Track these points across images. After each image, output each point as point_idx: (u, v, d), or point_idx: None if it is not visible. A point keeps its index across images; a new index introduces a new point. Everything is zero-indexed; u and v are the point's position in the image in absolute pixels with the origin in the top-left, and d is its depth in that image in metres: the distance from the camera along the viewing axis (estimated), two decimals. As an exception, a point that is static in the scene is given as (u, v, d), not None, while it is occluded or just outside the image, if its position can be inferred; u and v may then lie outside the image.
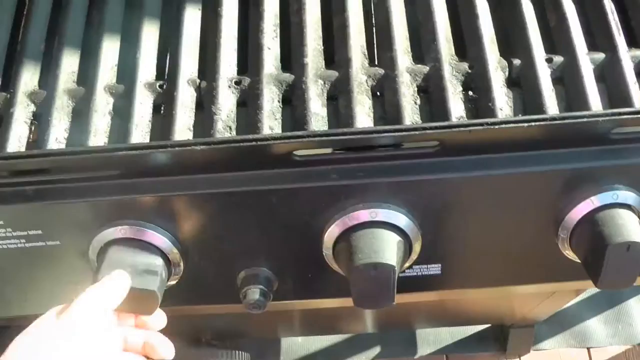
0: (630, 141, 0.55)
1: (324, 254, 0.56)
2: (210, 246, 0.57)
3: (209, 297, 0.62)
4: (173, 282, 0.57)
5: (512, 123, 0.51)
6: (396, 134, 0.50)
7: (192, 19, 0.60)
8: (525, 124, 0.51)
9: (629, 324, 1.17)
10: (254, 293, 0.57)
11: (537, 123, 0.51)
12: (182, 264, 0.56)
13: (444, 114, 0.53)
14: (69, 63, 0.60)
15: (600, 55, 0.57)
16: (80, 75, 0.60)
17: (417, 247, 0.57)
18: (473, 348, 1.18)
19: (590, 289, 1.20)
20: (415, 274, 0.60)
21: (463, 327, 1.19)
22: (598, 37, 0.59)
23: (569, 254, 0.59)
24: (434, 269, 0.60)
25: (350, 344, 1.18)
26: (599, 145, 0.55)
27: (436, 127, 0.50)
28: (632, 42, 0.58)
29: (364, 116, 0.54)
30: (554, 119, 0.52)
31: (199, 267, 0.58)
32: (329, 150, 0.54)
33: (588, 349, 1.17)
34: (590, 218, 0.56)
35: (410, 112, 0.54)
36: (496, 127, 0.50)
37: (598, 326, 1.18)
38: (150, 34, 0.60)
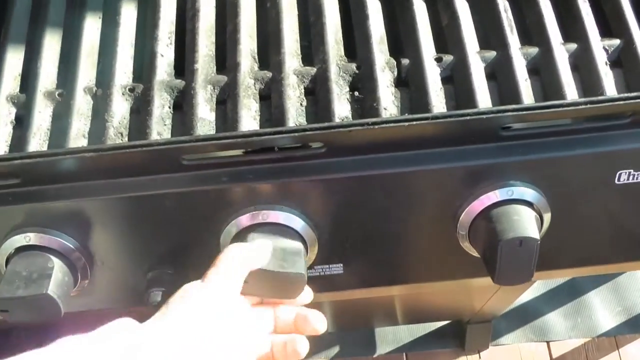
0: (521, 137, 0.56)
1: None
2: (114, 249, 0.59)
3: (118, 300, 0.63)
4: (82, 287, 0.59)
5: (392, 123, 0.52)
6: (274, 136, 0.51)
7: (91, 27, 0.62)
8: (406, 124, 0.52)
9: (588, 316, 1.18)
10: (157, 295, 0.58)
11: (418, 122, 0.52)
12: (88, 268, 0.58)
13: (329, 115, 0.55)
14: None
15: (492, 53, 0.58)
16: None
17: (314, 248, 0.58)
18: (432, 345, 1.19)
19: (549, 283, 1.21)
20: (318, 274, 0.61)
21: (421, 324, 1.20)
22: (490, 35, 0.59)
23: (470, 250, 0.60)
24: (336, 268, 0.61)
25: (310, 343, 1.20)
26: (489, 142, 0.56)
27: (315, 129, 0.52)
28: (525, 40, 0.59)
29: (249, 119, 0.55)
30: (435, 117, 0.53)
31: (106, 271, 0.60)
32: (226, 154, 0.55)
33: (547, 342, 1.17)
34: (486, 214, 0.57)
35: (295, 114, 0.55)
36: (376, 127, 0.51)
37: (557, 320, 1.19)
38: (52, 43, 0.62)
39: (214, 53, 0.59)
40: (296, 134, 0.51)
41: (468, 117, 0.53)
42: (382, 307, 1.12)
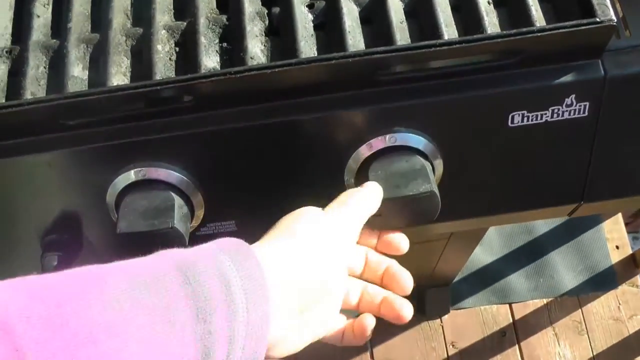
0: (401, 82, 0.57)
1: (110, 215, 0.60)
2: (8, 214, 0.61)
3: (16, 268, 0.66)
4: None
5: (255, 70, 0.53)
6: (138, 90, 0.52)
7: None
8: (268, 71, 0.53)
9: (550, 276, 1.18)
10: (52, 259, 0.61)
11: (281, 69, 0.53)
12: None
13: (195, 67, 0.56)
14: None
15: (365, -1, 0.59)
16: None
17: (200, 206, 0.60)
18: (393, 311, 1.20)
19: (510, 244, 1.21)
20: (212, 232, 0.63)
21: (381, 290, 1.21)
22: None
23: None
24: (229, 226, 0.63)
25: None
26: (368, 88, 0.57)
27: (178, 81, 0.53)
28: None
29: (119, 76, 0.57)
30: (300, 62, 0.54)
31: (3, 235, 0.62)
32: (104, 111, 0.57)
33: (509, 304, 1.18)
34: (370, 164, 0.58)
35: (163, 68, 0.56)
36: (238, 75, 0.53)
37: (519, 281, 1.19)
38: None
39: (90, 12, 0.61)
40: (159, 87, 0.53)
41: (333, 61, 0.53)
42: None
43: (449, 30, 0.57)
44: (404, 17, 0.58)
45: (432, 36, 0.57)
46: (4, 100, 0.58)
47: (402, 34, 0.57)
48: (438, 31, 0.57)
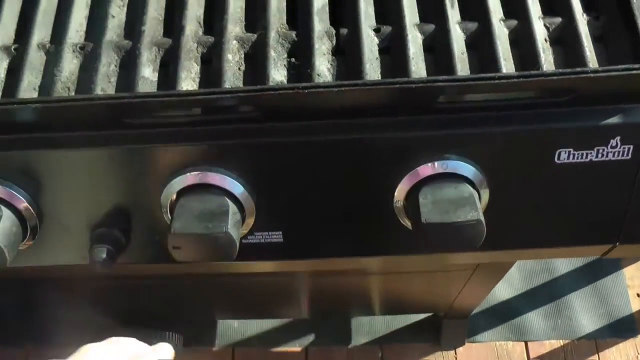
0: (457, 110, 0.59)
1: (163, 214, 0.62)
2: (62, 204, 0.63)
3: (65, 256, 0.68)
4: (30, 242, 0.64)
5: (322, 88, 0.56)
6: (207, 97, 0.55)
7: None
8: (335, 89, 0.55)
9: (568, 318, 1.19)
10: (101, 252, 0.63)
11: (347, 88, 0.55)
12: (37, 223, 0.63)
13: (264, 79, 0.58)
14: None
15: (431, 26, 0.61)
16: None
17: (252, 214, 0.62)
18: (408, 339, 1.21)
19: (529, 281, 1.22)
20: (258, 241, 0.65)
21: (398, 317, 1.22)
22: (431, 8, 0.62)
23: (407, 224, 0.63)
24: (276, 236, 0.64)
25: (285, 331, 1.24)
26: (425, 114, 0.59)
27: (246, 91, 0.55)
28: (466, 15, 0.62)
29: (189, 81, 0.59)
30: (365, 84, 0.56)
31: (55, 227, 0.64)
32: (170, 113, 0.59)
33: (525, 342, 1.19)
34: (419, 188, 0.60)
35: (232, 78, 0.59)
36: (306, 91, 0.55)
37: (537, 320, 1.20)
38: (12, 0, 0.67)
39: (163, 17, 0.63)
40: (228, 96, 0.55)
41: (397, 86, 0.56)
42: (357, 293, 1.15)
43: (507, 64, 0.60)
44: (465, 48, 0.61)
45: (491, 69, 0.59)
46: (74, 93, 0.61)
47: (462, 65, 0.59)
48: (497, 64, 0.59)
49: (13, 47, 0.64)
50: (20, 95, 0.61)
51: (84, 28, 0.64)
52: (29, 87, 0.62)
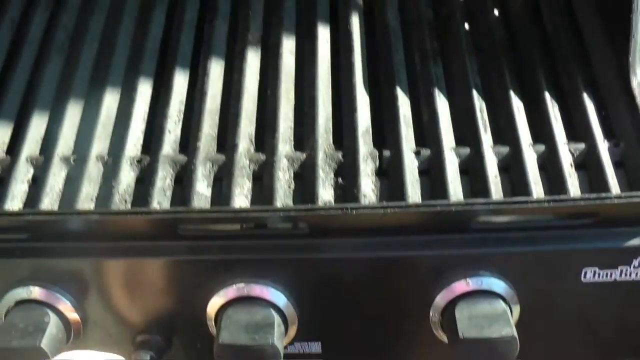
0: (491, 230, 0.64)
1: (207, 324, 0.65)
2: (108, 310, 0.66)
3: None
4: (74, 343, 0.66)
5: (370, 209, 0.60)
6: (260, 214, 0.59)
7: (110, 100, 0.72)
8: (382, 211, 0.60)
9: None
10: (144, 358, 0.65)
11: (393, 210, 0.60)
12: (81, 326, 0.65)
13: (313, 198, 0.63)
14: (1, 134, 0.71)
15: (466, 150, 0.67)
16: (10, 145, 0.71)
17: (294, 325, 0.65)
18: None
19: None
20: (297, 351, 0.68)
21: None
22: (466, 132, 0.68)
23: (443, 339, 0.66)
24: (315, 346, 0.67)
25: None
26: (461, 233, 0.63)
27: (297, 210, 0.60)
28: (498, 139, 0.68)
29: (241, 197, 0.64)
30: (409, 206, 0.61)
31: (99, 330, 0.67)
32: (218, 227, 0.63)
33: None
34: (455, 304, 0.64)
35: (283, 195, 0.63)
36: (354, 212, 0.59)
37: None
38: (73, 112, 0.72)
39: (216, 133, 0.68)
40: (280, 214, 0.60)
41: (439, 208, 0.60)
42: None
43: (537, 188, 0.65)
44: (498, 172, 0.66)
45: (522, 192, 0.65)
46: (129, 206, 0.65)
47: (496, 188, 0.65)
48: (527, 188, 0.64)
49: (72, 159, 0.68)
50: (78, 205, 0.65)
51: (141, 142, 0.69)
52: (86, 198, 0.66)
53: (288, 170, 0.65)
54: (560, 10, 0.77)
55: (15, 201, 0.67)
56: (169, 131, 0.69)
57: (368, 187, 0.64)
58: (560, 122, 0.68)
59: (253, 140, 0.68)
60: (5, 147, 0.71)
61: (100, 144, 0.69)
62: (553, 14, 0.76)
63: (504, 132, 0.68)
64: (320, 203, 0.62)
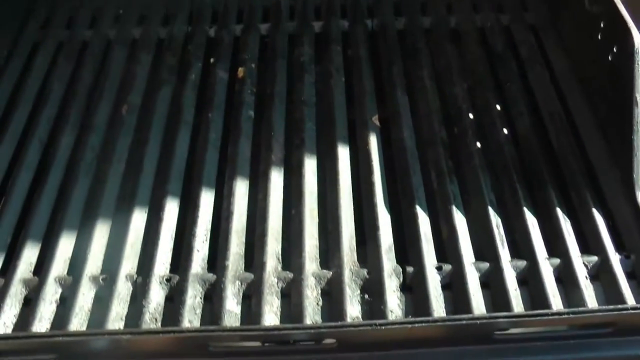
0: (512, 341, 0.66)
1: None
2: None
3: None
4: None
5: (397, 324, 0.62)
6: (292, 331, 0.61)
7: (137, 220, 0.75)
8: (409, 325, 0.62)
9: None
10: None
11: (420, 325, 0.62)
12: None
13: (341, 314, 0.65)
14: (29, 254, 0.73)
15: (486, 265, 0.70)
16: (37, 265, 0.73)
17: None
18: None
19: None
20: None
21: None
22: (484, 248, 0.71)
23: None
24: None
25: None
26: (484, 344, 0.65)
27: (329, 327, 0.62)
28: (515, 254, 0.71)
29: (271, 315, 0.65)
30: (435, 321, 0.63)
31: None
32: (249, 344, 0.65)
33: None
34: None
35: (312, 312, 0.65)
36: (383, 327, 0.61)
37: None
38: (101, 231, 0.74)
39: (244, 252, 0.71)
40: (312, 331, 0.61)
41: (464, 322, 0.63)
42: None
43: (555, 300, 0.67)
44: (517, 285, 0.69)
45: (541, 304, 0.67)
46: (160, 325, 0.66)
47: (517, 301, 0.67)
48: (547, 301, 0.67)
49: (101, 277, 0.70)
50: (108, 325, 0.66)
51: (169, 260, 0.71)
52: (116, 317, 0.67)
53: (315, 287, 0.68)
54: (565, 129, 0.82)
55: (43, 322, 0.68)
56: (197, 250, 0.71)
57: (394, 303, 0.66)
58: (573, 236, 0.72)
59: (280, 258, 0.70)
60: (32, 268, 0.73)
61: (129, 263, 0.71)
62: (558, 133, 0.82)
63: (521, 246, 0.71)
64: (348, 319, 0.64)
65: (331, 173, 0.78)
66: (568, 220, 0.73)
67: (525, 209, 0.73)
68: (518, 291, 0.68)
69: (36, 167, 0.83)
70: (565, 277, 0.70)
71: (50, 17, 1.05)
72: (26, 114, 0.89)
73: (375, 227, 0.71)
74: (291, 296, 0.67)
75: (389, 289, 0.67)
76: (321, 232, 0.72)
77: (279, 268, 0.70)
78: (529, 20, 1.01)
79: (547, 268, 0.69)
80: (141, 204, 0.77)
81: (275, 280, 0.68)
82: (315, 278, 0.68)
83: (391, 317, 0.65)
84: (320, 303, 0.67)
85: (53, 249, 0.73)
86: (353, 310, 0.66)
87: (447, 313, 0.67)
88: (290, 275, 0.68)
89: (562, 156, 0.80)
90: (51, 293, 0.70)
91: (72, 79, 0.94)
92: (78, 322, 0.67)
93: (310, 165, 0.79)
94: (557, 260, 0.70)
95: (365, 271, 0.69)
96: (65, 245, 0.74)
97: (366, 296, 0.67)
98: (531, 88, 0.89)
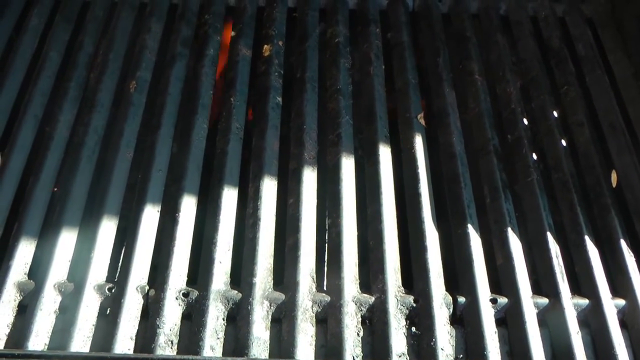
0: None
1: None
2: None
3: None
4: None
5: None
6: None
7: (149, 221, 0.68)
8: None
9: None
10: None
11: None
12: None
13: (385, 350, 0.60)
14: (24, 253, 0.66)
15: (545, 300, 0.65)
16: (33, 266, 0.66)
17: None
18: None
19: None
20: None
21: None
22: (542, 281, 0.66)
23: None
24: None
25: None
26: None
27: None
28: (575, 289, 0.66)
29: (305, 345, 0.60)
30: (491, 366, 0.58)
31: None
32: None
33: None
34: None
35: (352, 345, 0.60)
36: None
37: None
38: (106, 233, 0.67)
39: (272, 266, 0.65)
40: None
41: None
42: None
43: (620, 349, 0.63)
44: (578, 327, 0.64)
45: (605, 354, 0.63)
46: (176, 349, 0.60)
47: (578, 347, 0.62)
48: (612, 350, 0.63)
49: (107, 287, 0.64)
50: (116, 346, 0.60)
51: (186, 271, 0.65)
52: (124, 336, 0.61)
53: (356, 315, 0.62)
54: (627, 145, 0.77)
55: (40, 336, 0.61)
56: (220, 261, 0.65)
57: (444, 339, 0.61)
58: (638, 274, 0.67)
59: (314, 277, 0.64)
60: (27, 269, 0.66)
61: (139, 272, 0.65)
62: (620, 150, 0.77)
63: (582, 281, 0.67)
64: (394, 356, 0.59)
65: (372, 179, 0.72)
66: (632, 255, 0.68)
67: (586, 237, 0.69)
68: (580, 335, 0.63)
69: (30, 148, 0.75)
70: (630, 322, 0.65)
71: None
72: (18, 84, 0.81)
73: (422, 248, 0.66)
74: (328, 323, 0.62)
75: (439, 322, 0.62)
76: (361, 249, 0.67)
77: (314, 289, 0.64)
78: (586, 12, 0.95)
79: (611, 310, 0.64)
80: (153, 201, 0.70)
81: (310, 303, 0.62)
82: (356, 304, 0.63)
83: (441, 355, 0.60)
84: (362, 333, 0.62)
85: (51, 249, 0.66)
86: (399, 345, 0.60)
87: (502, 354, 0.62)
88: (327, 298, 0.63)
89: (624, 177, 0.75)
90: (50, 302, 0.63)
91: (70, 45, 0.85)
92: (81, 339, 0.61)
93: (347, 167, 0.72)
94: (621, 302, 0.65)
95: (411, 298, 0.63)
96: (66, 245, 0.67)
97: (413, 329, 0.62)
98: (589, 94, 0.84)
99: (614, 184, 0.76)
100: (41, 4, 0.89)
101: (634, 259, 0.68)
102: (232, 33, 0.87)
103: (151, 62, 0.83)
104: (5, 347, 0.61)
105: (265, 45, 0.85)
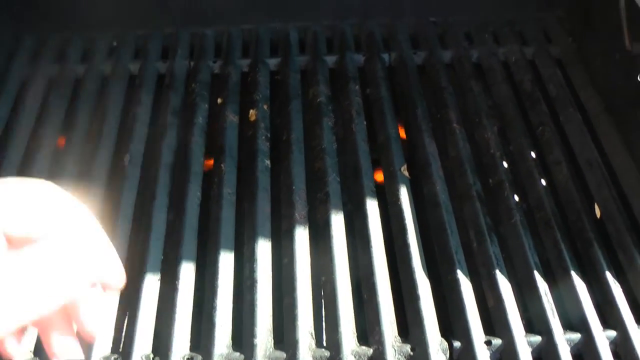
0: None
1: None
2: None
3: None
4: None
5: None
6: None
7: (150, 291, 0.70)
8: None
9: None
10: None
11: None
12: None
13: (386, 401, 0.61)
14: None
15: (537, 338, 0.66)
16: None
17: None
18: None
19: None
20: None
21: None
22: (534, 319, 0.68)
23: None
24: None
25: None
26: None
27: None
28: (566, 324, 0.68)
29: (309, 405, 0.62)
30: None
31: None
32: None
33: None
34: None
35: (353, 399, 0.61)
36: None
37: None
38: (109, 304, 0.69)
39: (272, 326, 0.67)
40: None
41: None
42: None
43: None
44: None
45: None
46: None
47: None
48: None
49: (113, 358, 0.65)
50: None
51: (189, 337, 0.67)
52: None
53: (356, 368, 0.64)
54: (606, 180, 0.80)
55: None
56: (221, 325, 0.67)
57: (443, 385, 0.63)
58: (626, 303, 0.69)
59: (313, 333, 0.66)
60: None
61: (143, 342, 0.66)
62: (599, 185, 0.79)
63: (572, 316, 0.69)
64: (395, 407, 0.61)
65: (361, 233, 0.74)
66: (618, 285, 0.71)
67: (572, 272, 0.71)
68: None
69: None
70: (623, 353, 0.67)
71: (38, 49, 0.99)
72: (17, 162, 0.84)
73: (415, 297, 0.68)
74: (329, 378, 0.64)
75: (435, 369, 0.63)
76: (356, 303, 0.69)
77: (314, 345, 0.66)
78: (554, 53, 0.99)
79: (603, 342, 0.66)
80: (153, 270, 0.72)
81: (311, 359, 0.64)
82: (355, 356, 0.64)
83: (441, 401, 0.62)
84: (362, 386, 0.63)
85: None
86: (398, 394, 0.62)
87: (499, 394, 0.63)
88: (326, 353, 0.65)
89: (605, 210, 0.77)
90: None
91: (65, 123, 0.89)
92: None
93: (337, 224, 0.75)
94: (612, 333, 0.67)
95: (408, 347, 0.65)
96: (69, 319, 0.69)
97: (412, 378, 0.64)
98: (564, 132, 0.87)
99: (599, 216, 0.79)
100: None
101: (620, 290, 0.70)
102: (219, 100, 0.90)
103: (143, 134, 0.86)
104: None
105: (251, 110, 0.88)
